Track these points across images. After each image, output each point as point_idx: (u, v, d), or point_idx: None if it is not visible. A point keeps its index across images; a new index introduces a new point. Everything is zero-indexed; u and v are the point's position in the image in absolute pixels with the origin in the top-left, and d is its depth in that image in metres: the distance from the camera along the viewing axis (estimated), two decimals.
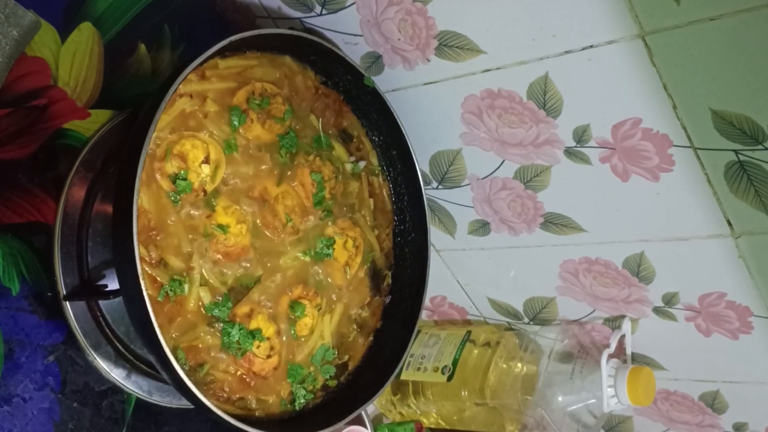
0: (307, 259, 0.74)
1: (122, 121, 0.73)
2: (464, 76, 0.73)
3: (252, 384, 0.69)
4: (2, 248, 0.65)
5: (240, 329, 0.66)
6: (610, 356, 0.82)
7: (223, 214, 0.67)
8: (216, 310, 0.65)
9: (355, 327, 0.79)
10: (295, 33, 0.71)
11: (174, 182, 0.64)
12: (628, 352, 0.85)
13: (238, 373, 0.67)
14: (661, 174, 0.69)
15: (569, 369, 0.84)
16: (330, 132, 0.78)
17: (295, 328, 0.72)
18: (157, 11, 0.77)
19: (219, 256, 0.67)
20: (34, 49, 0.67)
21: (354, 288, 0.79)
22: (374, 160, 0.82)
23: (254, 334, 0.68)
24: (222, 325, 0.66)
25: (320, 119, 0.77)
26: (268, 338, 0.69)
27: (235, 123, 0.69)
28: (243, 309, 0.68)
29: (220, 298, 0.66)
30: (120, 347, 0.72)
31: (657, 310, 0.81)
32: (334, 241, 0.76)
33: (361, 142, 0.81)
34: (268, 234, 0.71)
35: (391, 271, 0.83)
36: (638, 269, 0.78)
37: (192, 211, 0.66)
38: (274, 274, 0.71)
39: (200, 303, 0.65)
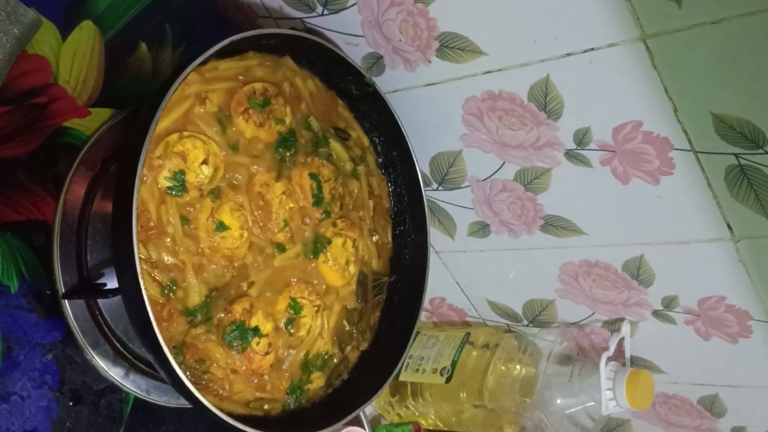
0: (305, 258, 0.74)
1: (122, 119, 0.73)
2: (465, 78, 0.73)
3: (250, 382, 0.69)
4: (1, 246, 0.65)
5: (239, 326, 0.67)
6: (609, 359, 0.81)
7: (228, 213, 0.67)
8: (210, 309, 0.66)
9: (354, 327, 0.79)
10: (297, 33, 0.71)
11: (173, 181, 0.64)
12: (627, 355, 0.85)
13: (237, 370, 0.67)
14: (661, 177, 0.69)
15: (568, 371, 0.84)
16: (329, 132, 0.78)
17: (293, 327, 0.72)
18: (159, 10, 0.77)
19: (217, 255, 0.67)
20: (35, 47, 0.67)
21: (353, 289, 0.79)
22: (372, 160, 0.82)
23: (254, 330, 0.68)
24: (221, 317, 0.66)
25: (319, 120, 0.77)
26: (266, 335, 0.69)
27: (238, 123, 0.69)
28: (243, 305, 0.68)
29: (215, 296, 0.66)
30: (118, 346, 0.72)
31: (656, 314, 0.81)
32: (331, 242, 0.76)
33: (361, 143, 0.81)
34: (264, 236, 0.71)
35: (389, 278, 0.83)
36: (638, 272, 0.78)
37: (191, 211, 0.66)
38: (271, 273, 0.71)
39: None
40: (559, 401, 0.83)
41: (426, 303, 0.82)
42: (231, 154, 0.69)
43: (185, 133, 0.66)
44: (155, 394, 0.74)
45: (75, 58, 0.70)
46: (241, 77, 0.70)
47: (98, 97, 0.72)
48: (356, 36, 0.77)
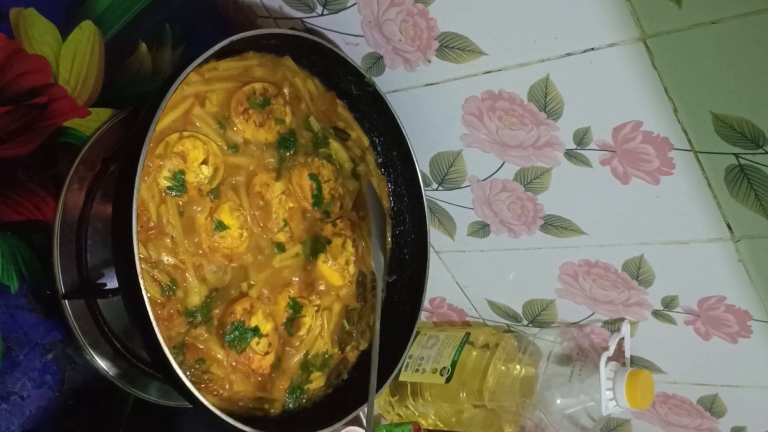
0: (305, 258, 0.74)
1: (122, 119, 0.73)
2: (465, 78, 0.73)
3: (251, 381, 0.69)
4: (1, 246, 0.65)
5: (238, 326, 0.67)
6: (609, 359, 0.81)
7: (228, 213, 0.67)
8: (210, 309, 0.66)
9: (353, 327, 0.79)
10: (297, 33, 0.71)
11: (173, 181, 0.64)
12: (627, 355, 0.85)
13: (237, 370, 0.67)
14: (661, 177, 0.69)
15: (568, 371, 0.84)
16: (329, 132, 0.78)
17: (293, 326, 0.72)
18: (158, 10, 0.77)
19: (216, 255, 0.67)
20: (35, 47, 0.67)
21: (353, 289, 0.79)
22: (371, 160, 0.82)
23: (254, 330, 0.68)
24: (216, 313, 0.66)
25: (319, 120, 0.77)
26: (266, 335, 0.69)
27: (238, 123, 0.69)
28: (243, 305, 0.68)
29: (215, 296, 0.66)
30: (118, 346, 0.71)
31: (656, 314, 0.81)
32: (331, 242, 0.76)
33: (361, 143, 0.81)
34: (264, 236, 0.71)
35: (389, 278, 0.83)
36: (638, 272, 0.78)
37: (191, 211, 0.66)
38: (271, 273, 0.71)
39: None
40: (559, 401, 0.83)
41: (426, 303, 0.82)
42: (231, 154, 0.69)
43: (185, 133, 0.66)
44: (155, 394, 0.74)
45: (75, 58, 0.70)
46: (242, 78, 0.70)
47: (98, 97, 0.72)
48: (356, 36, 0.77)
